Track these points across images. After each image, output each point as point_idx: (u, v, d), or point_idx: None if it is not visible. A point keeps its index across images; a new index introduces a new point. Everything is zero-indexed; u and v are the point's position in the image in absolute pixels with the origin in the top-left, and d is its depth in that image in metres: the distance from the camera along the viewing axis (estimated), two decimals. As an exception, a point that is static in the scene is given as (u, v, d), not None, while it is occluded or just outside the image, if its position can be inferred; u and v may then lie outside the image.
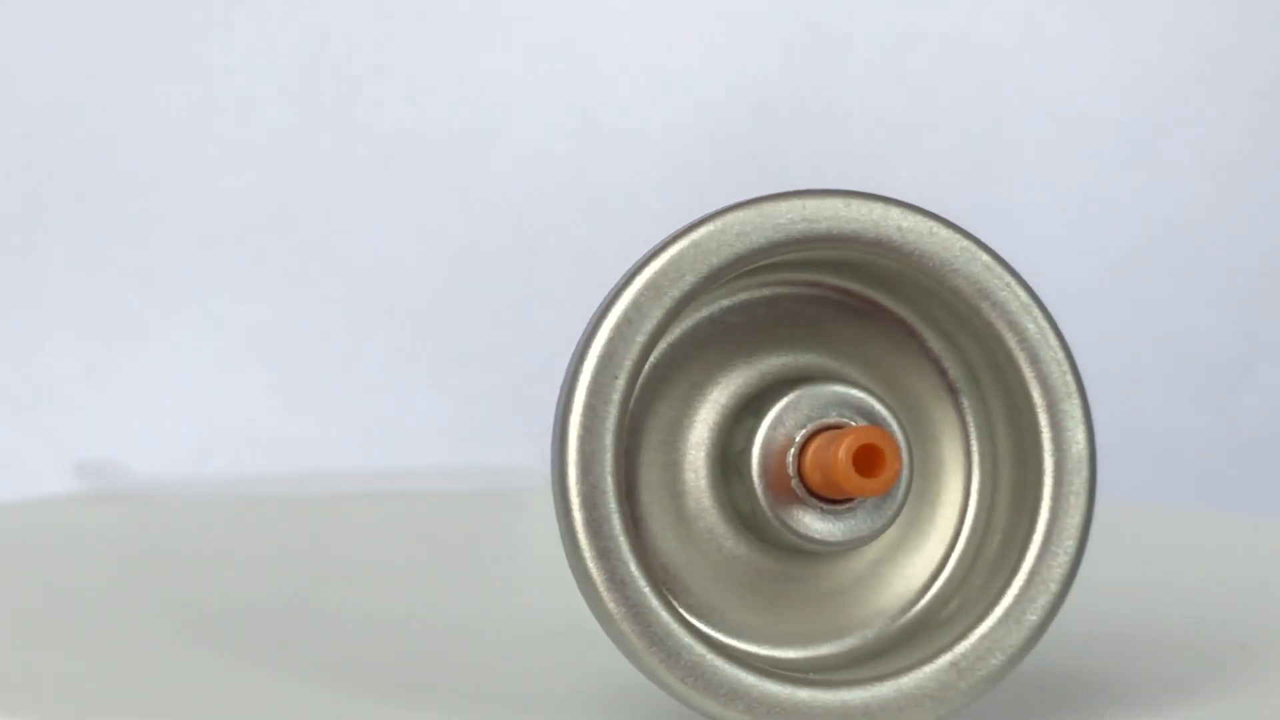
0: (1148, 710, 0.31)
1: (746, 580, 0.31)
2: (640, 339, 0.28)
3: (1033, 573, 0.29)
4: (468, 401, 0.73)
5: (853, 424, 0.29)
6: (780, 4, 0.73)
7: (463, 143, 0.73)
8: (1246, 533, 0.55)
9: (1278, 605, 0.42)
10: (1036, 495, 0.30)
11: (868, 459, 0.28)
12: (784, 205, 0.29)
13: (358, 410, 0.73)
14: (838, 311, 0.31)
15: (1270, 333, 0.72)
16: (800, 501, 0.29)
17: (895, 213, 0.30)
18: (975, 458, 0.32)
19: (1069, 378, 0.30)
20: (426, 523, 0.56)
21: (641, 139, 0.73)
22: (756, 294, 0.31)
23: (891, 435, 0.29)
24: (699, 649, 0.28)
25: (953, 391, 0.32)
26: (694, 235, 0.29)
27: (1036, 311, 0.30)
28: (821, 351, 0.31)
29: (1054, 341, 0.30)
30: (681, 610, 0.30)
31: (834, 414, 0.30)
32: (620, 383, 0.28)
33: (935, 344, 0.32)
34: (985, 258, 0.30)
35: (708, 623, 0.30)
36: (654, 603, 0.28)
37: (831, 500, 0.29)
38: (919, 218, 0.30)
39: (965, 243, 0.30)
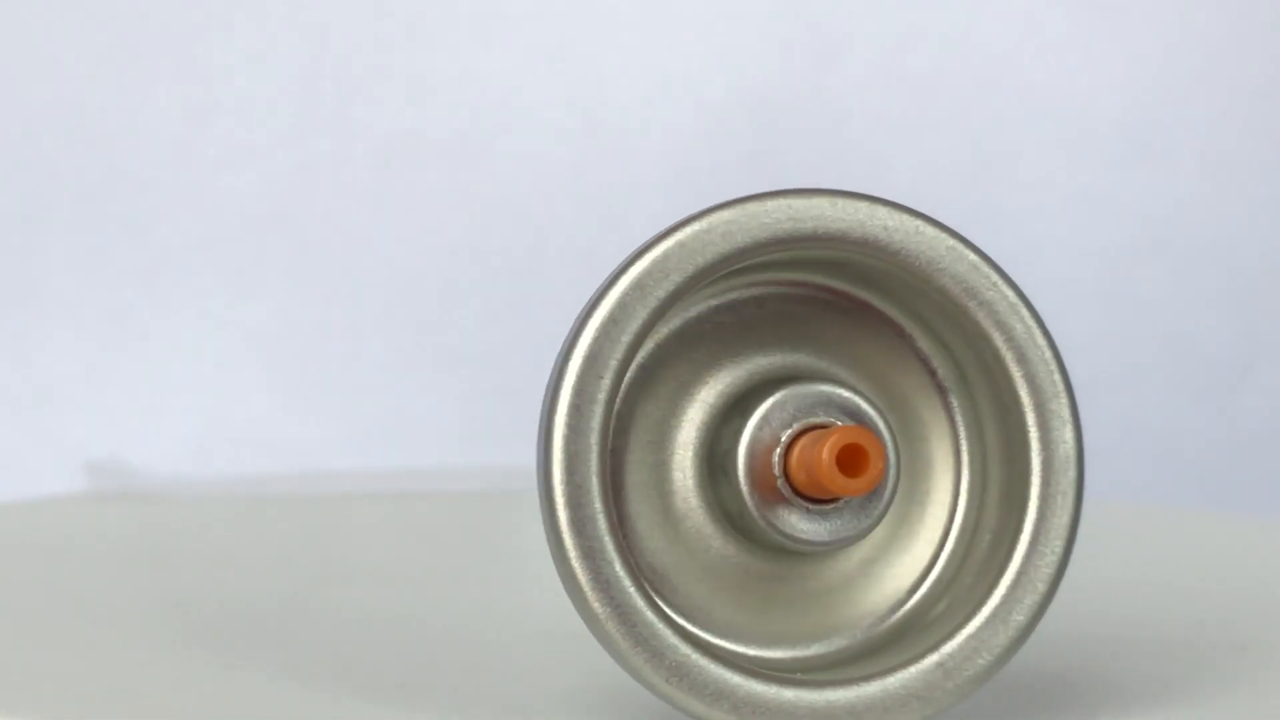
0: (1144, 711, 0.31)
1: (735, 580, 0.31)
2: (625, 339, 0.28)
3: (1020, 573, 0.29)
4: (468, 401, 0.73)
5: (838, 424, 0.29)
6: (780, 4, 0.73)
7: (463, 143, 0.73)
8: (1246, 533, 0.54)
9: (1277, 606, 0.42)
10: (1024, 495, 0.30)
11: (851, 459, 0.28)
12: (770, 204, 0.29)
13: (357, 410, 0.73)
14: (826, 311, 0.31)
15: (1270, 333, 0.72)
16: (786, 502, 0.29)
17: (881, 212, 0.30)
18: (964, 457, 0.32)
19: (1056, 377, 0.30)
20: (426, 522, 0.56)
21: (641, 139, 0.73)
22: (745, 293, 0.31)
23: (876, 435, 0.29)
24: (684, 649, 0.28)
25: (942, 391, 0.32)
26: (679, 235, 0.29)
27: (1024, 310, 0.30)
28: (810, 351, 0.31)
29: (1041, 341, 0.30)
30: (668, 610, 0.30)
31: (820, 414, 0.30)
32: (605, 382, 0.28)
33: (924, 343, 0.32)
34: (972, 257, 0.30)
35: (695, 623, 0.30)
36: (639, 603, 0.28)
37: (817, 500, 0.29)
38: (905, 217, 0.30)
39: (952, 242, 0.30)
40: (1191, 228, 0.72)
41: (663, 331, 0.31)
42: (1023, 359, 0.30)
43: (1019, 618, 0.29)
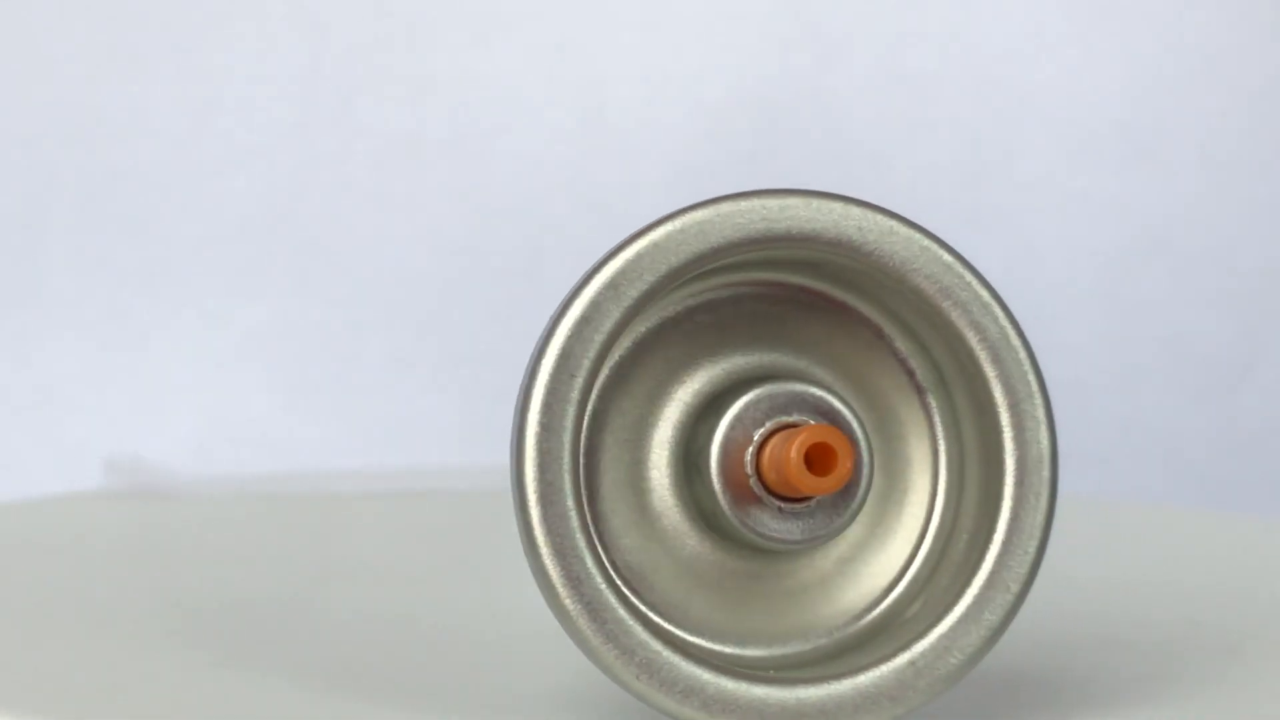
0: (1124, 711, 0.32)
1: (711, 578, 0.31)
2: (598, 338, 0.29)
3: (993, 573, 0.30)
4: (468, 401, 0.73)
5: (811, 423, 0.29)
6: (780, 5, 0.73)
7: (463, 143, 0.73)
8: (1245, 533, 0.54)
9: (1272, 607, 0.42)
10: (998, 495, 0.30)
11: (819, 458, 0.28)
12: (743, 205, 0.29)
13: (358, 410, 0.73)
14: (804, 311, 0.31)
15: (1270, 333, 0.72)
16: (759, 500, 0.29)
17: (855, 212, 0.30)
18: (942, 457, 0.32)
19: (1030, 377, 0.30)
20: (427, 522, 0.56)
21: (642, 139, 0.73)
22: (723, 293, 0.31)
23: (845, 434, 0.29)
24: (655, 645, 0.28)
25: (919, 391, 0.32)
26: (653, 235, 0.29)
27: (998, 311, 0.30)
28: (787, 351, 0.31)
29: (1015, 341, 0.30)
30: (643, 607, 0.30)
31: (793, 413, 0.30)
32: (578, 381, 0.28)
33: (902, 344, 0.32)
34: (946, 257, 0.30)
35: (671, 620, 0.30)
36: (610, 599, 0.28)
37: (789, 499, 0.29)
38: (879, 217, 0.30)
39: (926, 242, 0.30)
40: (1191, 228, 0.72)
41: (640, 331, 0.31)
42: (997, 359, 0.30)
43: (991, 617, 0.29)
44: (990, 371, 0.30)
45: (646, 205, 0.73)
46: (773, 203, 0.29)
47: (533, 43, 0.73)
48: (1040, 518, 0.30)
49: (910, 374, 0.32)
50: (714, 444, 0.30)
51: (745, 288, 0.31)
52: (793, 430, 0.29)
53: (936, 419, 0.32)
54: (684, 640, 0.30)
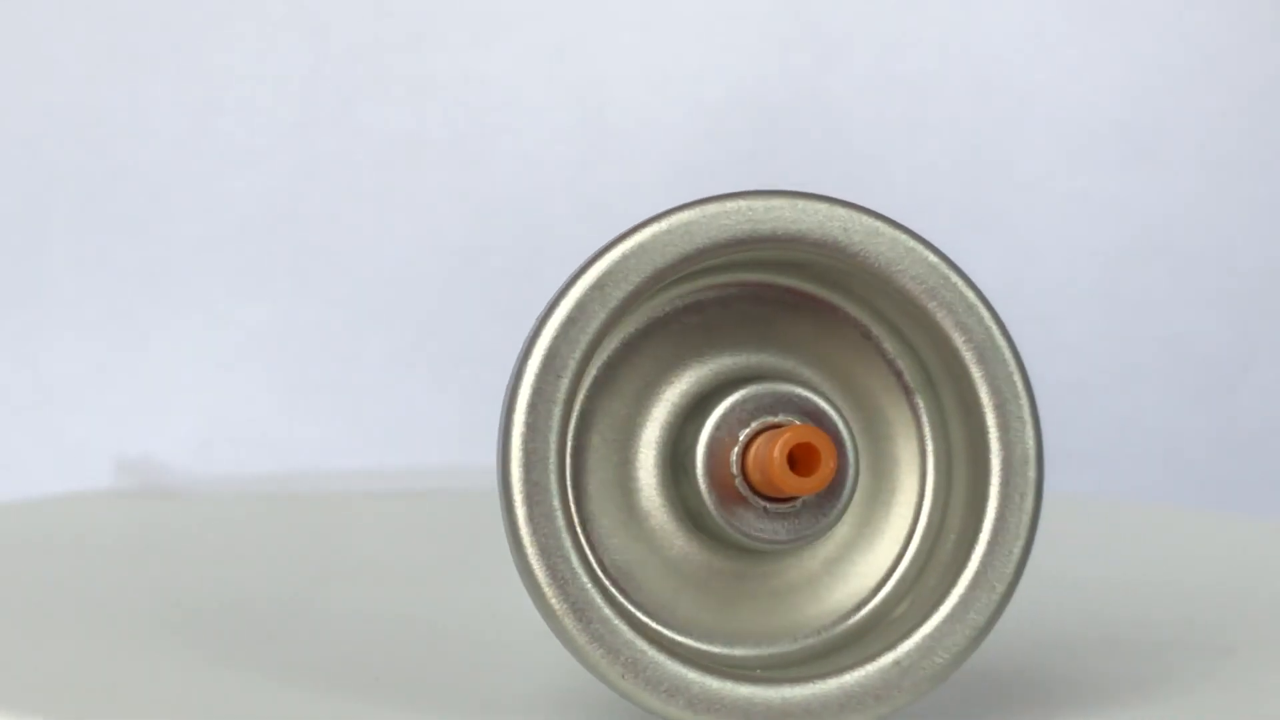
0: (1127, 710, 0.32)
1: (698, 578, 0.31)
2: (584, 338, 0.29)
3: (979, 573, 0.30)
4: (468, 401, 0.73)
5: (796, 423, 0.29)
6: (780, 6, 0.73)
7: (464, 143, 0.73)
8: (1244, 533, 0.54)
9: (1270, 608, 0.42)
10: (984, 495, 0.30)
11: (802, 458, 0.28)
12: (729, 206, 0.29)
13: (358, 410, 0.73)
14: (792, 312, 0.32)
15: (1268, 333, 0.72)
16: (744, 500, 0.30)
17: (840, 213, 0.30)
18: (930, 458, 0.32)
19: (1016, 377, 0.30)
20: (427, 522, 0.56)
21: (642, 140, 0.73)
22: (711, 294, 0.31)
23: (828, 434, 0.29)
24: (640, 645, 0.28)
25: (907, 391, 0.32)
26: (639, 236, 0.29)
27: (983, 312, 0.30)
28: (775, 351, 0.32)
29: (1001, 342, 0.30)
30: (630, 607, 0.30)
31: (779, 414, 0.30)
32: (564, 382, 0.29)
33: (890, 344, 0.32)
34: (931, 258, 0.30)
35: (658, 620, 0.30)
36: (596, 599, 0.28)
37: (775, 499, 0.29)
38: (864, 218, 0.30)
39: (911, 243, 0.30)
40: (1190, 229, 0.72)
41: (628, 331, 0.31)
42: (982, 360, 0.30)
43: (976, 617, 0.29)
44: (976, 372, 0.30)
45: (646, 205, 0.73)
46: (758, 204, 0.29)
47: (533, 43, 0.73)
48: (1026, 518, 0.30)
49: (898, 374, 0.32)
50: (700, 444, 0.30)
51: (733, 289, 0.31)
52: (777, 430, 0.29)
53: (924, 419, 0.32)
54: (671, 639, 0.30)
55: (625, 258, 0.29)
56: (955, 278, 0.30)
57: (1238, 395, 0.72)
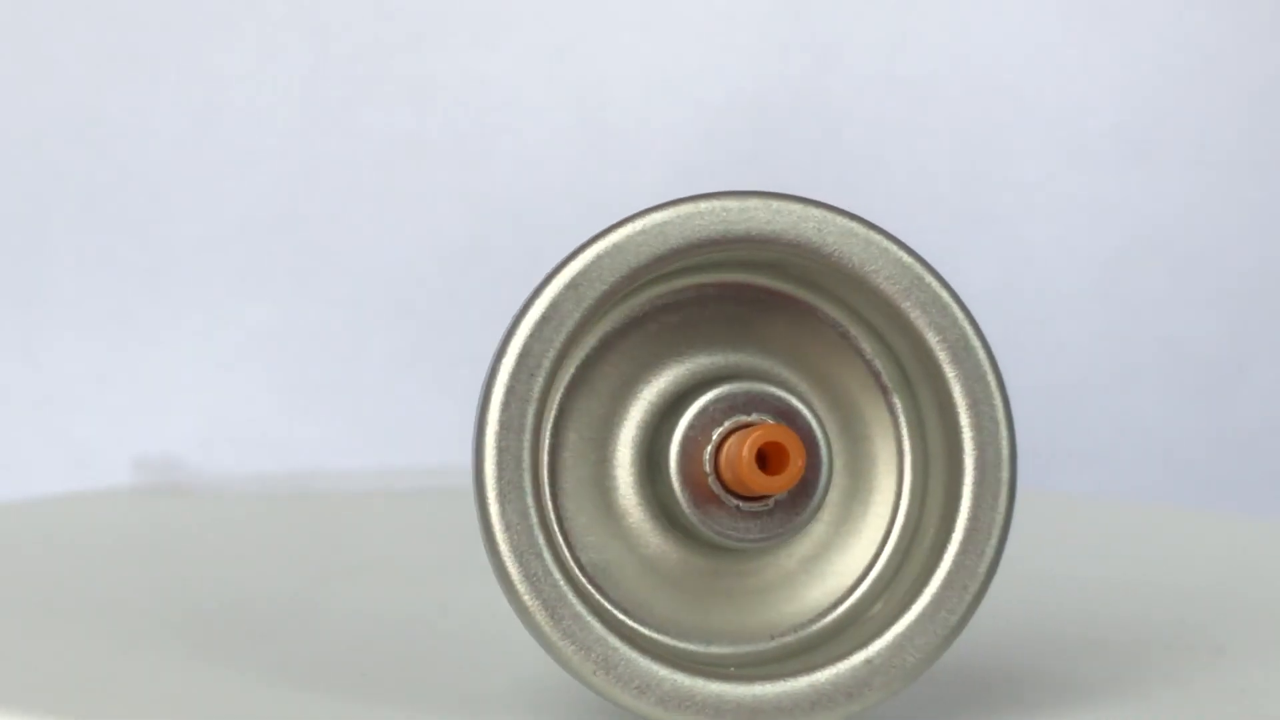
0: (1101, 710, 0.32)
1: (675, 576, 0.31)
2: (559, 338, 0.29)
3: (951, 573, 0.30)
4: (469, 401, 0.73)
5: (769, 422, 0.30)
6: (779, 8, 0.73)
7: (464, 145, 0.73)
8: (1242, 533, 0.54)
9: (1264, 606, 0.42)
10: (957, 495, 0.30)
11: (771, 456, 0.28)
12: (704, 206, 0.29)
13: (359, 410, 0.73)
14: (771, 312, 0.32)
15: (1266, 334, 0.72)
16: (717, 499, 0.30)
17: (815, 214, 0.30)
18: (907, 457, 0.32)
19: (990, 377, 0.30)
20: (427, 521, 0.56)
21: (642, 140, 0.73)
22: (689, 294, 0.31)
23: (799, 434, 0.29)
24: (612, 642, 0.28)
25: (885, 391, 0.32)
26: (614, 236, 0.29)
27: (957, 312, 0.30)
28: (753, 351, 0.32)
29: (975, 342, 0.30)
30: (606, 604, 0.30)
31: (753, 413, 0.30)
32: (538, 380, 0.29)
33: (867, 345, 0.32)
34: (905, 258, 0.30)
35: (636, 618, 0.31)
36: (569, 596, 0.28)
37: (748, 498, 0.30)
38: (838, 218, 0.30)
39: (885, 243, 0.30)
40: (1188, 230, 0.72)
41: (606, 330, 0.31)
42: (957, 360, 0.30)
43: (949, 617, 0.29)
44: (950, 372, 0.30)
45: (646, 206, 0.73)
46: (733, 204, 0.30)
47: (533, 44, 0.73)
48: (999, 518, 0.30)
49: (875, 375, 0.32)
50: (674, 443, 0.30)
51: (711, 289, 0.31)
52: (748, 429, 0.29)
53: (901, 419, 0.32)
54: (645, 637, 0.30)
55: (600, 257, 0.29)
56: (929, 278, 0.30)
57: (1236, 395, 0.72)
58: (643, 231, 0.29)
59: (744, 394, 0.30)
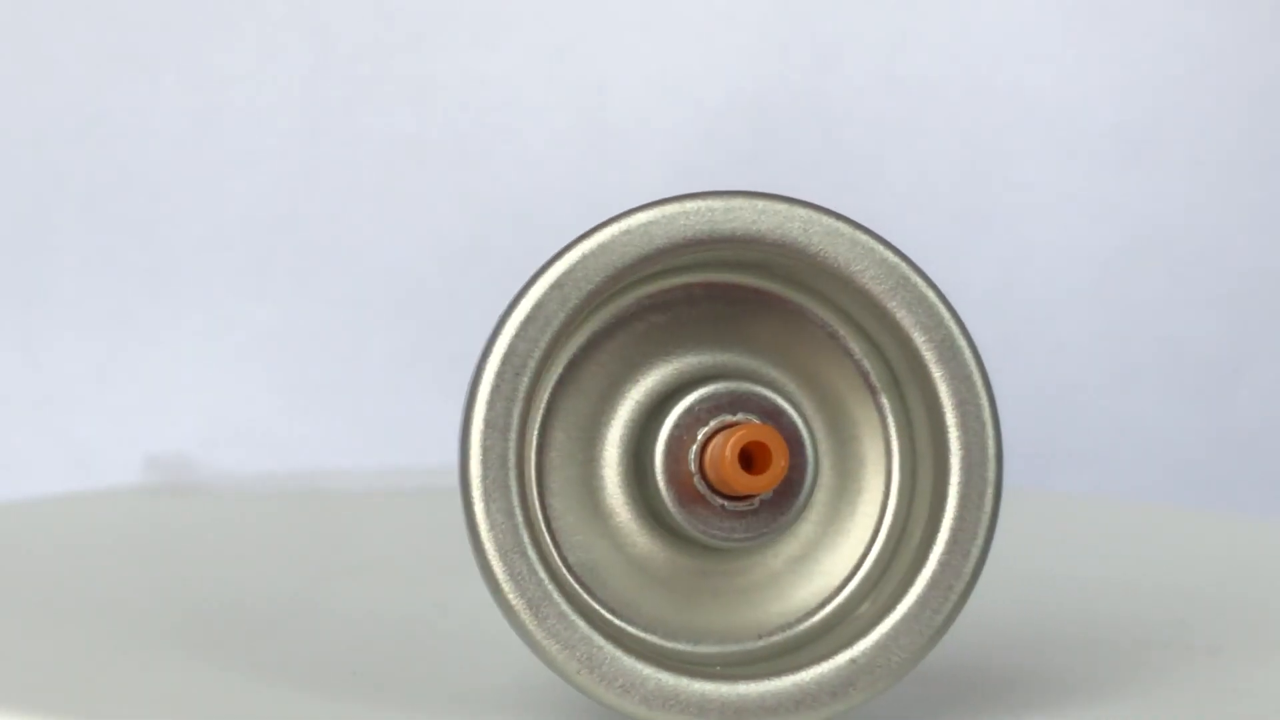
0: (1086, 710, 0.32)
1: (662, 576, 0.31)
2: (545, 337, 0.29)
3: (936, 573, 0.30)
4: (469, 401, 0.73)
5: (754, 421, 0.30)
6: (778, 8, 0.73)
7: (465, 145, 0.74)
8: (1241, 533, 0.54)
9: (1261, 606, 0.42)
10: (944, 495, 0.30)
11: (753, 456, 0.28)
12: (689, 206, 0.30)
13: (360, 410, 0.74)
14: (759, 312, 0.32)
15: (1264, 334, 0.72)
16: (703, 499, 0.30)
17: (800, 213, 0.30)
18: (895, 458, 0.32)
19: (976, 377, 0.30)
20: (428, 521, 0.56)
21: (642, 141, 0.73)
22: (678, 294, 0.32)
23: (783, 433, 0.29)
24: (596, 641, 0.28)
25: (873, 391, 0.32)
26: (599, 236, 0.29)
27: (943, 311, 0.30)
28: (741, 351, 0.32)
29: (962, 342, 0.30)
30: (593, 604, 0.30)
31: (738, 412, 0.30)
32: (524, 380, 0.29)
33: (855, 344, 0.32)
34: (891, 258, 0.30)
35: (623, 618, 0.31)
36: (553, 595, 0.28)
37: (733, 497, 0.30)
38: (823, 218, 0.30)
39: (871, 243, 0.30)
40: (1188, 230, 0.72)
41: (594, 330, 0.31)
42: (943, 359, 0.30)
43: (934, 617, 0.30)
44: (936, 372, 0.30)
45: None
46: (718, 204, 0.30)
47: (533, 44, 0.73)
48: (985, 518, 0.30)
49: (864, 374, 0.32)
50: (659, 442, 0.30)
51: (700, 288, 0.32)
52: (732, 429, 0.29)
53: (890, 419, 0.32)
54: (631, 636, 0.30)
55: (585, 258, 0.29)
56: (915, 278, 0.30)
57: (1235, 396, 0.72)
58: (628, 231, 0.29)
59: (729, 393, 0.30)
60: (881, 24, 0.73)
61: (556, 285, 0.29)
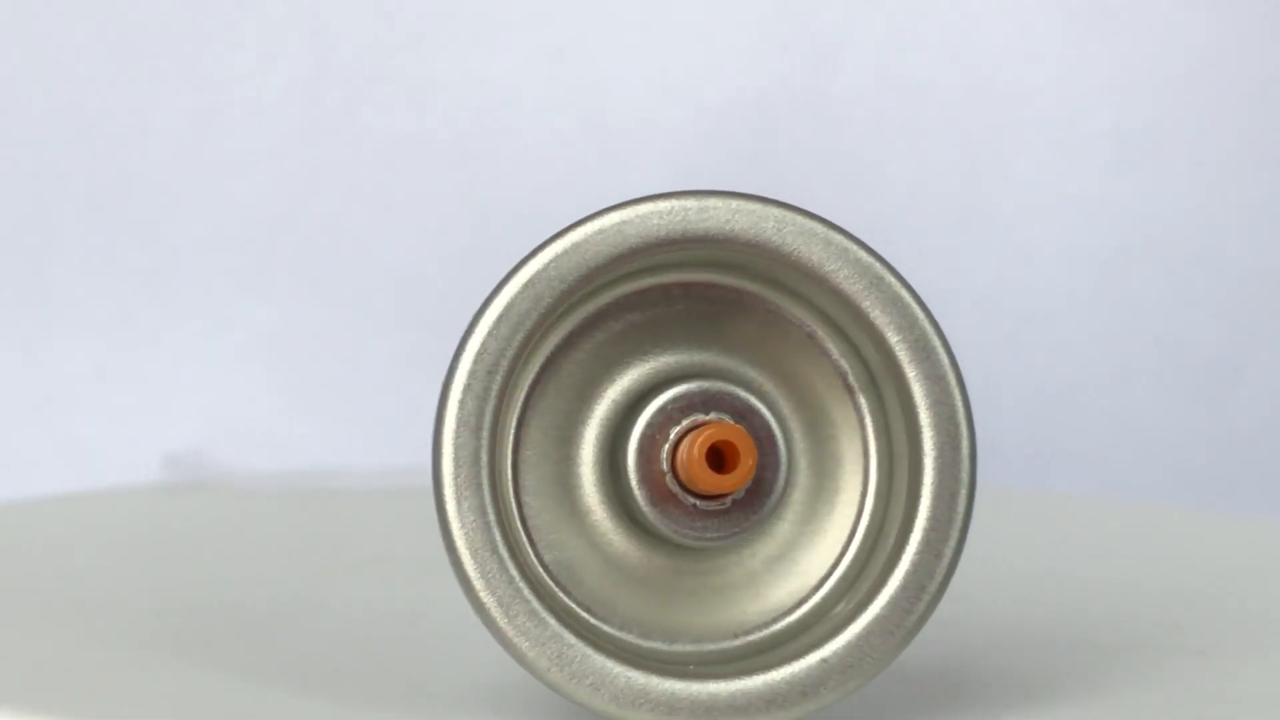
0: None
1: (637, 575, 0.31)
2: (518, 337, 0.29)
3: (909, 573, 0.30)
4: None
5: (728, 421, 0.30)
6: (778, 9, 0.73)
7: (466, 145, 0.74)
8: (1240, 533, 0.54)
9: (1259, 607, 0.42)
10: (917, 495, 0.30)
11: (721, 455, 0.28)
12: (662, 206, 0.30)
13: (361, 410, 0.74)
14: (737, 311, 0.32)
15: (1262, 334, 0.72)
16: (675, 498, 0.30)
17: (774, 213, 0.30)
18: (873, 457, 0.32)
19: (950, 377, 0.30)
20: (428, 520, 0.56)
21: (642, 142, 0.73)
22: (655, 293, 0.32)
23: (754, 432, 0.29)
24: (567, 638, 0.28)
25: (851, 391, 0.32)
26: (572, 235, 0.30)
27: (917, 311, 0.30)
28: (719, 350, 0.32)
29: (936, 342, 0.30)
30: (569, 603, 0.30)
31: (711, 412, 0.30)
32: (497, 379, 0.29)
33: (833, 344, 0.32)
34: (865, 257, 0.30)
35: (599, 616, 0.31)
36: (524, 593, 0.28)
37: (704, 496, 0.30)
38: (797, 218, 0.30)
39: (845, 243, 0.30)
40: (1187, 231, 0.72)
41: (570, 328, 0.31)
42: (917, 359, 0.30)
43: (906, 617, 0.30)
44: (910, 372, 0.30)
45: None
46: (692, 204, 0.30)
47: (534, 45, 0.73)
48: (958, 518, 0.30)
49: (842, 374, 0.32)
50: (632, 441, 0.30)
51: (678, 288, 0.32)
52: (701, 428, 0.29)
53: (867, 419, 0.32)
54: (604, 634, 0.30)
55: (558, 257, 0.29)
56: (889, 277, 0.30)
57: (1234, 396, 0.72)
58: (600, 231, 0.29)
59: (702, 393, 0.30)
60: (881, 24, 0.73)
61: (529, 284, 0.29)
